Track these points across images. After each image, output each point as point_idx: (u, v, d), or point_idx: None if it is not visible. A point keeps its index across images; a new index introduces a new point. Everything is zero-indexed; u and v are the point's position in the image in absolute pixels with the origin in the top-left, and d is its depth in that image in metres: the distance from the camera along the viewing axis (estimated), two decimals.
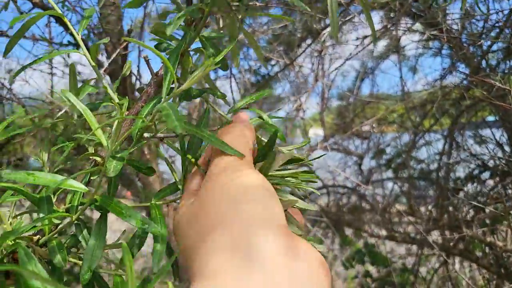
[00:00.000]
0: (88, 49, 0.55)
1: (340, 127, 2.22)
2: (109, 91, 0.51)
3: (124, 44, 1.39)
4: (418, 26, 1.68)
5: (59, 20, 1.39)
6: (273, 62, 2.65)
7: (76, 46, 1.42)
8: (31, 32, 1.78)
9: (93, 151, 0.52)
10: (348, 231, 2.47)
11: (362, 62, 2.62)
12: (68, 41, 1.46)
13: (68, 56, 1.63)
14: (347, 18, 1.70)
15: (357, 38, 2.07)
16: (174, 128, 0.33)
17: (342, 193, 2.39)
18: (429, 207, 2.03)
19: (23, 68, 0.48)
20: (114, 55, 1.33)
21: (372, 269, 2.48)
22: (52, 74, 1.83)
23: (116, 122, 0.42)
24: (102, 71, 1.37)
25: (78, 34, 0.49)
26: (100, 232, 0.43)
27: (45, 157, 0.56)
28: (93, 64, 0.49)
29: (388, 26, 1.73)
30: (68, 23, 0.52)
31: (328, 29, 1.74)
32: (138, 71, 1.73)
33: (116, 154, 0.42)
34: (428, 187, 2.19)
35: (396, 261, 2.38)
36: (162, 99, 0.41)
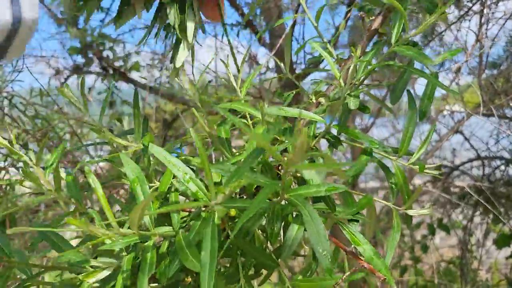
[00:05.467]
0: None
1: (496, 95, 2.06)
2: (328, 50, 0.62)
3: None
4: None
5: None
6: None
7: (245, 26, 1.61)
8: None
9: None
10: (503, 207, 2.29)
11: None
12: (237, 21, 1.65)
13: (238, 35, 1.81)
14: None
15: None
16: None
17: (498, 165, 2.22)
18: None
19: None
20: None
21: None
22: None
23: (352, 66, 0.52)
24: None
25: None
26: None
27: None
28: None
29: None
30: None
31: None
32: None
33: (351, 92, 0.53)
34: None
35: None
36: (393, 44, 0.50)
